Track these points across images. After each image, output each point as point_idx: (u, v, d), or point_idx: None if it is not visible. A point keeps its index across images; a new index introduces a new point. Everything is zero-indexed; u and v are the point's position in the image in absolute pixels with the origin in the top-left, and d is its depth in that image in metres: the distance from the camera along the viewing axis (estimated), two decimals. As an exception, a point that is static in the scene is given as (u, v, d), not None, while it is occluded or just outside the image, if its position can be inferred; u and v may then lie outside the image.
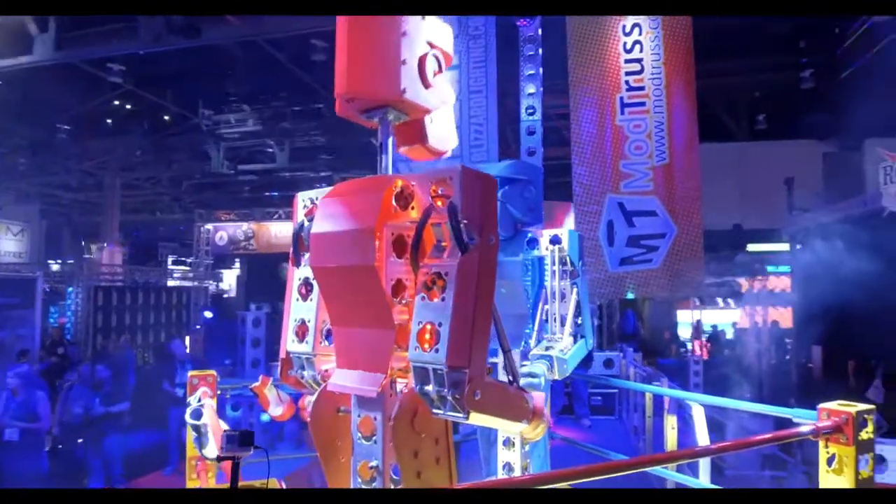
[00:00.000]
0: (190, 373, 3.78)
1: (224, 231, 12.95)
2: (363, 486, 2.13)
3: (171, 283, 17.59)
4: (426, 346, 1.94)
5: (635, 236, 7.98)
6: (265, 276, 17.98)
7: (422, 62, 2.25)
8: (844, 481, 2.59)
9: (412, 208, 2.14)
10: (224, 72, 16.34)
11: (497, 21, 8.65)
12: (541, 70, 8.27)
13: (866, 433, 2.61)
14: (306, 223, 2.44)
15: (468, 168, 2.04)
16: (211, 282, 14.13)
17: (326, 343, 2.39)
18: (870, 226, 6.47)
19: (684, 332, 18.17)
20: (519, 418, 2.18)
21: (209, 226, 12.40)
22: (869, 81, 14.39)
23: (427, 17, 2.28)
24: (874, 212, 6.28)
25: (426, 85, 2.27)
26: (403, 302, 2.20)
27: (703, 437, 4.18)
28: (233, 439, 1.54)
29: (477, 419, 2.00)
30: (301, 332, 2.40)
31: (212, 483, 3.62)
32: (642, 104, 8.05)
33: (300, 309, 2.43)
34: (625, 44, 8.16)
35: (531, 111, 8.23)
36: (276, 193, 22.61)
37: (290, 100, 17.53)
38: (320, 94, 16.40)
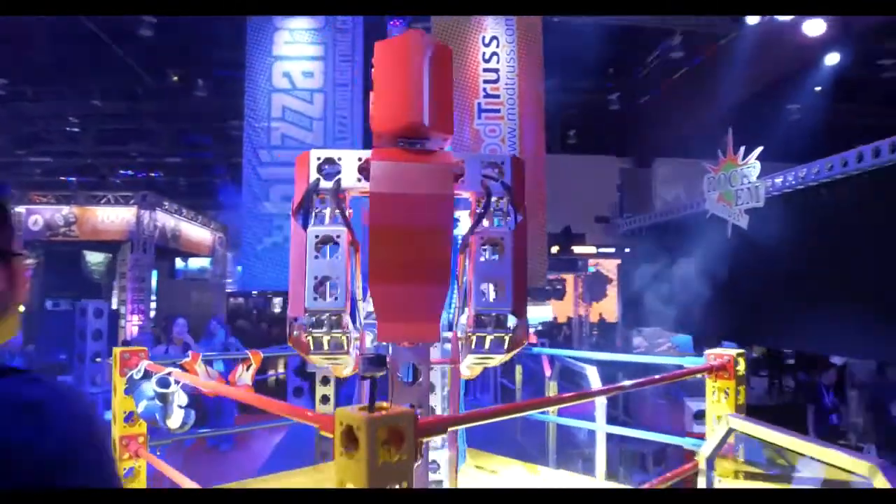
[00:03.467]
0: (118, 349, 3.67)
1: (39, 215, 11.56)
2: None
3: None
4: (490, 297, 2.32)
5: (489, 232, 8.72)
6: (63, 267, 16.26)
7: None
8: (725, 406, 3.39)
9: (462, 181, 2.48)
10: (25, 37, 14.59)
11: (365, 17, 8.97)
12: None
13: (740, 370, 3.43)
14: (322, 181, 2.62)
15: (516, 156, 2.45)
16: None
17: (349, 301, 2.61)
18: (692, 227, 7.85)
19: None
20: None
21: (21, 208, 10.93)
22: (661, 109, 16.78)
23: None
24: (698, 214, 7.62)
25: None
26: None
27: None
28: (371, 361, 1.77)
29: (510, 354, 2.42)
30: (322, 290, 2.57)
31: (145, 463, 3.56)
32: (497, 111, 8.85)
33: (321, 267, 2.58)
34: (484, 54, 8.92)
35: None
36: (73, 179, 20.50)
37: (103, 77, 16.09)
38: (139, 74, 15.30)
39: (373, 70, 2.66)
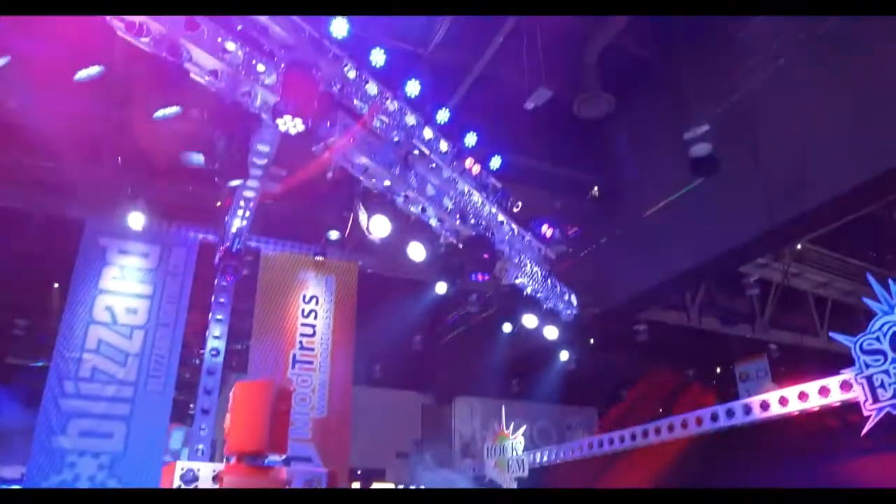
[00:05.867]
0: None
1: None
2: None
3: None
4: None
5: (290, 478, 9.35)
6: None
7: None
8: None
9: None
10: None
11: (197, 261, 10.01)
12: (229, 317, 9.72)
13: None
14: (182, 486, 3.56)
15: (332, 471, 3.58)
16: None
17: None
18: (479, 484, 9.12)
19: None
20: None
21: None
22: (459, 351, 18.81)
23: None
24: (479, 476, 8.95)
25: None
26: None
27: None
28: None
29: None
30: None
31: None
32: (310, 363, 9.99)
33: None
34: (303, 310, 10.23)
35: (215, 353, 9.48)
36: None
37: None
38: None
39: (231, 402, 3.79)
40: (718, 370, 20.25)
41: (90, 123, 9.54)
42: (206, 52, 5.54)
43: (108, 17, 5.10)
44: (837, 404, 5.93)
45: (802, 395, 6.25)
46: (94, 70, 4.84)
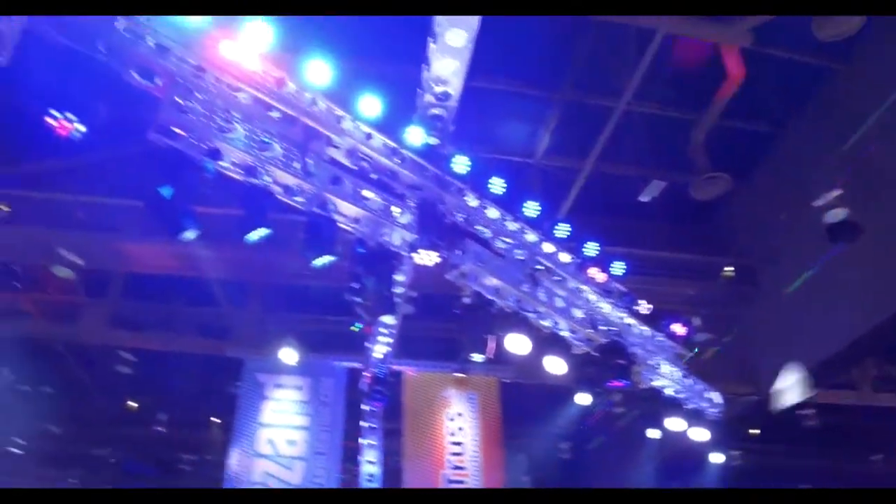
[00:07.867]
0: None
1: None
2: None
3: None
4: None
5: None
6: None
7: None
8: None
9: None
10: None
11: (346, 389, 10.81)
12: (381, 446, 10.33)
13: None
14: None
15: None
16: None
17: None
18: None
19: None
20: None
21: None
22: (609, 453, 18.29)
23: None
24: None
25: None
26: None
27: None
28: None
29: None
30: None
31: None
32: (462, 482, 10.31)
33: None
34: (450, 429, 10.69)
35: (370, 479, 10.04)
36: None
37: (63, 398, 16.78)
38: (89, 394, 16.07)
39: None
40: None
41: (243, 269, 10.89)
42: (349, 203, 6.46)
43: (270, 185, 6.11)
44: None
45: None
46: (263, 232, 5.79)
